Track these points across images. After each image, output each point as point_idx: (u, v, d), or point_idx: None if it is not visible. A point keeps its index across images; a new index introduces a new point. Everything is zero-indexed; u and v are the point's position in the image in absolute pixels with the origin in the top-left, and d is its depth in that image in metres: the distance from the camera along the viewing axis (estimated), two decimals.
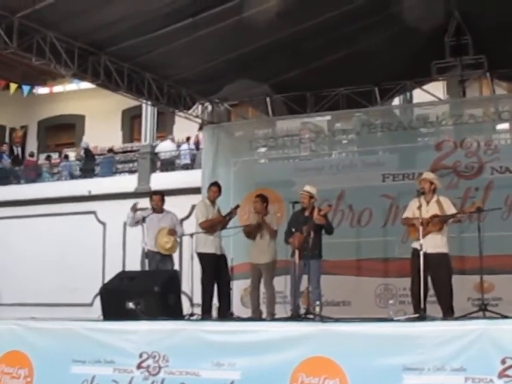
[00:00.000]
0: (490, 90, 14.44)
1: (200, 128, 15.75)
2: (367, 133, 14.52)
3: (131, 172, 21.50)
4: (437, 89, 14.60)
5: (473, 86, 14.83)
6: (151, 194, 12.82)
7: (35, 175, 23.25)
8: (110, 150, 22.79)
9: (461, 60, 12.93)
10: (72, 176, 22.33)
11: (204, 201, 12.36)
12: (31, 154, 25.05)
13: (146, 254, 12.08)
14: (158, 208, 12.21)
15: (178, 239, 12.29)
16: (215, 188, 12.24)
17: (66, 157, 23.71)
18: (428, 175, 10.53)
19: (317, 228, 10.79)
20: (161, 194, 12.45)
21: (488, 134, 13.67)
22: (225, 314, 11.37)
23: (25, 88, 22.24)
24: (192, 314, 10.78)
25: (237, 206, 12.23)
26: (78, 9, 10.72)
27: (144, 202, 12.96)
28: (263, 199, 12.07)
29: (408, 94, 16.11)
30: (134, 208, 12.20)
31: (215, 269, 11.78)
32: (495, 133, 13.86)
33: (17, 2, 10.48)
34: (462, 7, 12.21)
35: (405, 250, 11.06)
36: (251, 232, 12.02)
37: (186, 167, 20.19)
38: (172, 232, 11.95)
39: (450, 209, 10.18)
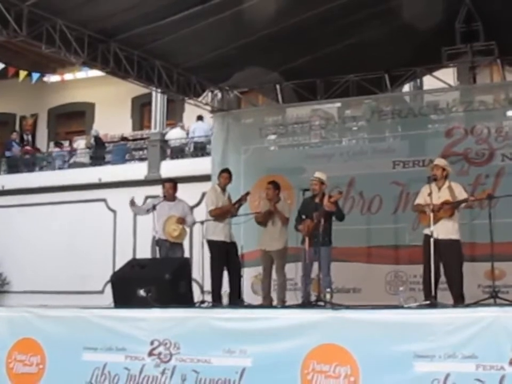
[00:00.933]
0: (501, 77, 14.38)
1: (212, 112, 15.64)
2: (377, 120, 14.49)
3: (141, 159, 21.51)
4: (447, 75, 14.52)
5: (483, 73, 14.76)
6: (163, 182, 12.82)
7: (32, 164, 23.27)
8: (124, 138, 22.81)
9: (471, 46, 12.85)
10: (69, 165, 22.38)
11: (214, 187, 12.37)
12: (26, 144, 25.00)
13: (157, 242, 12.10)
14: (169, 196, 12.19)
15: (187, 228, 12.29)
16: (226, 174, 12.24)
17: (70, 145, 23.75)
18: (440, 161, 10.52)
19: (327, 215, 10.79)
20: (174, 182, 12.42)
21: (498, 120, 13.61)
22: (236, 301, 11.38)
23: (34, 76, 22.24)
24: (202, 302, 10.80)
25: (247, 193, 12.23)
26: None
27: (154, 190, 12.97)
28: (276, 185, 12.06)
29: (418, 80, 16.04)
30: (132, 203, 12.20)
31: (225, 256, 11.80)
32: (506, 120, 13.78)
33: None
34: None
35: (415, 237, 11.08)
36: (263, 219, 12.02)
37: (196, 154, 20.14)
38: (181, 220, 11.94)
39: (461, 195, 10.16)
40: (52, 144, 25.67)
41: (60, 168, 22.53)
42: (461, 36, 12.77)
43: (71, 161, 22.70)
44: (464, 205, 10.16)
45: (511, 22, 12.25)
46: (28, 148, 24.75)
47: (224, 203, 12.00)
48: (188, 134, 21.11)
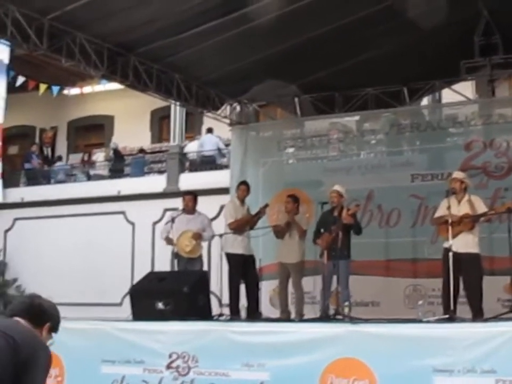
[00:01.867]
0: None
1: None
2: (395, 133, 14.48)
3: (160, 172, 21.56)
4: (466, 88, 14.50)
5: (502, 86, 14.75)
6: (183, 194, 12.84)
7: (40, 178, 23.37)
8: (141, 151, 22.88)
9: (490, 59, 12.81)
10: (89, 177, 22.49)
11: (233, 200, 12.40)
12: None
13: (176, 255, 12.11)
14: (188, 209, 12.21)
15: (204, 243, 12.28)
16: (244, 186, 12.27)
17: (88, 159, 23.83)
18: (458, 174, 10.52)
19: (345, 228, 10.80)
20: (194, 195, 12.43)
21: None
22: (254, 314, 11.39)
23: (55, 89, 22.34)
24: (221, 315, 10.81)
25: (266, 205, 12.25)
26: (107, 10, 10.80)
27: (173, 203, 12.99)
28: (295, 199, 12.07)
29: (437, 94, 16.00)
30: (171, 221, 12.18)
31: (243, 270, 11.81)
32: None
33: (47, 4, 10.57)
34: (491, 6, 12.11)
35: (434, 251, 11.05)
36: (280, 231, 12.02)
37: (204, 168, 20.15)
38: (196, 236, 11.92)
39: (481, 208, 10.15)
40: (71, 156, 25.77)
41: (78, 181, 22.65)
42: (479, 49, 12.73)
43: (91, 173, 22.80)
44: (484, 218, 10.14)
45: None
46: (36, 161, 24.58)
47: (243, 216, 12.02)
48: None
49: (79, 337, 9.14)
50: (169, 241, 12.06)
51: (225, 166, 19.24)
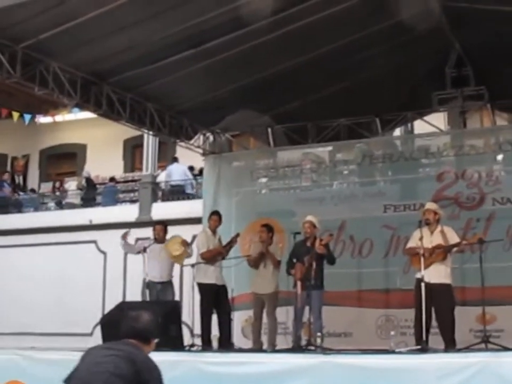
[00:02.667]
0: (491, 121, 14.46)
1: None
2: (368, 164, 14.52)
3: (132, 201, 21.48)
4: (438, 120, 14.62)
5: (474, 117, 14.86)
6: (154, 224, 12.82)
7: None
8: (112, 179, 22.79)
9: (461, 91, 12.97)
10: (60, 206, 22.38)
11: (205, 231, 12.37)
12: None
13: (147, 284, 12.09)
14: (160, 238, 12.24)
15: (189, 252, 12.25)
16: (216, 216, 12.25)
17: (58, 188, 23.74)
18: (432, 205, 10.60)
19: (319, 258, 10.79)
20: (164, 225, 12.47)
21: (489, 165, 13.67)
22: (226, 345, 11.32)
23: (26, 117, 22.27)
24: (192, 345, 10.76)
25: (237, 235, 12.24)
26: (81, 39, 10.77)
27: (145, 232, 12.94)
28: (269, 228, 12.06)
29: (409, 124, 16.13)
30: (124, 236, 12.22)
31: (215, 300, 11.76)
32: (496, 164, 13.87)
33: (20, 33, 10.52)
34: (462, 39, 12.26)
35: (407, 281, 11.07)
36: (254, 261, 12.00)
37: (187, 196, 20.14)
38: (185, 243, 11.96)
39: (453, 239, 10.21)
40: (43, 185, 25.64)
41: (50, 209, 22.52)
42: (451, 80, 12.89)
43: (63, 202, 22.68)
44: (456, 249, 10.18)
45: (500, 67, 12.37)
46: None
47: (214, 246, 11.99)
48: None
49: (48, 367, 9.00)
50: (142, 250, 12.10)
51: (194, 196, 19.35)
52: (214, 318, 11.78)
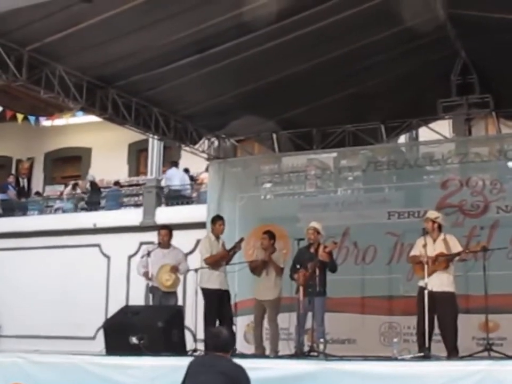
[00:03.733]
0: (496, 129, 14.46)
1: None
2: (373, 170, 14.51)
3: (136, 205, 21.48)
4: (442, 127, 14.61)
5: (479, 125, 14.85)
6: (158, 228, 12.81)
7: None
8: (116, 183, 22.80)
9: (467, 98, 12.97)
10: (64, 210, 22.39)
11: (209, 236, 12.36)
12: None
13: (151, 289, 12.08)
14: (164, 243, 12.20)
15: (180, 276, 12.25)
16: (220, 221, 12.24)
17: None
18: (431, 214, 10.59)
19: (322, 265, 10.80)
20: (169, 229, 12.43)
21: (493, 172, 13.67)
22: None
23: (32, 119, 22.30)
24: (195, 350, 10.75)
25: (241, 240, 12.23)
26: (88, 43, 10.78)
27: (149, 237, 12.93)
28: (271, 235, 12.07)
29: (414, 132, 16.14)
30: (146, 255, 12.14)
31: (218, 305, 11.75)
32: (501, 172, 13.85)
33: (27, 36, 10.53)
34: (468, 46, 12.26)
35: (410, 288, 11.05)
36: (256, 268, 12.01)
37: (186, 202, 20.17)
38: (174, 269, 11.92)
39: (456, 247, 10.20)
40: (47, 188, 25.65)
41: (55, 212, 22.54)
42: (456, 88, 12.89)
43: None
44: (459, 258, 10.18)
45: (506, 75, 12.37)
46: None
47: (218, 251, 11.98)
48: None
49: (51, 371, 9.03)
50: (147, 276, 12.03)
51: (193, 200, 19.41)
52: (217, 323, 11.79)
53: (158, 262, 11.97)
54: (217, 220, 12.33)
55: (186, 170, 21.13)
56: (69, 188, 23.38)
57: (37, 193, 25.19)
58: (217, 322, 11.69)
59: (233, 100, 13.01)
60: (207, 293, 11.72)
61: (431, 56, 12.19)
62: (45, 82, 11.38)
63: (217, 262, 11.83)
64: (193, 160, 17.31)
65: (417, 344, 9.95)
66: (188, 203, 19.66)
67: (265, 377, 7.87)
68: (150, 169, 20.54)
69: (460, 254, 10.13)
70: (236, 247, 12.06)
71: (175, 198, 20.12)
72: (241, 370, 6.60)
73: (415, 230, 11.03)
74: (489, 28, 11.19)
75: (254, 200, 15.23)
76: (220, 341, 6.80)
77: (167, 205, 20.09)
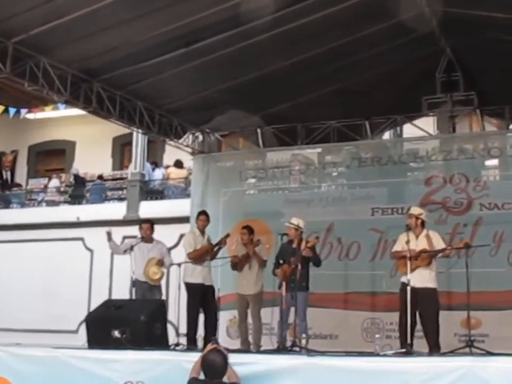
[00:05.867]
0: (480, 127, 14.49)
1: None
2: (357, 167, 14.54)
3: (120, 199, 21.44)
4: (427, 124, 14.65)
5: (463, 122, 14.90)
6: (140, 222, 12.79)
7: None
8: (100, 177, 22.75)
9: (451, 96, 12.99)
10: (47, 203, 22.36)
11: (193, 230, 12.35)
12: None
13: (134, 283, 12.05)
14: (146, 237, 12.19)
15: (164, 270, 12.25)
16: (203, 216, 12.21)
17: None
18: (414, 210, 10.60)
19: (304, 260, 10.78)
20: (151, 223, 12.41)
21: (477, 170, 13.71)
22: None
23: (12, 111, 22.17)
24: (177, 344, 10.73)
25: (227, 235, 12.19)
26: (72, 36, 10.75)
27: (133, 231, 12.90)
28: (250, 230, 12.07)
29: (398, 128, 16.12)
30: (109, 237, 12.15)
31: (202, 300, 11.74)
32: (485, 169, 13.90)
33: (12, 28, 10.48)
34: (453, 44, 12.29)
35: (393, 285, 11.07)
36: (238, 263, 12.01)
37: (151, 198, 20.26)
38: (161, 263, 11.93)
39: (439, 244, 10.23)
40: (30, 181, 25.55)
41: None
42: (441, 85, 12.91)
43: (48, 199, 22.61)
44: (441, 254, 10.20)
45: (490, 73, 12.42)
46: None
47: (202, 245, 11.96)
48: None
49: (33, 364, 8.97)
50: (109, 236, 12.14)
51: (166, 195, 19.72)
52: (200, 317, 11.78)
53: (143, 256, 11.95)
54: (200, 214, 12.30)
55: (154, 163, 21.22)
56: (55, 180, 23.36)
57: (18, 185, 25.06)
58: (200, 317, 11.69)
59: (218, 95, 13.00)
60: (190, 287, 11.71)
61: (416, 53, 12.22)
62: (29, 74, 11.32)
63: (200, 256, 11.81)
64: (178, 155, 17.33)
65: (399, 340, 9.97)
66: (157, 198, 19.77)
67: (247, 372, 7.86)
68: (134, 163, 20.52)
69: (443, 250, 10.16)
70: (221, 243, 12.04)
71: (154, 193, 20.24)
72: None
73: (398, 226, 11.04)
74: (475, 26, 11.23)
75: (238, 195, 15.23)
76: (215, 370, 7.30)
77: (157, 198, 20.14)
